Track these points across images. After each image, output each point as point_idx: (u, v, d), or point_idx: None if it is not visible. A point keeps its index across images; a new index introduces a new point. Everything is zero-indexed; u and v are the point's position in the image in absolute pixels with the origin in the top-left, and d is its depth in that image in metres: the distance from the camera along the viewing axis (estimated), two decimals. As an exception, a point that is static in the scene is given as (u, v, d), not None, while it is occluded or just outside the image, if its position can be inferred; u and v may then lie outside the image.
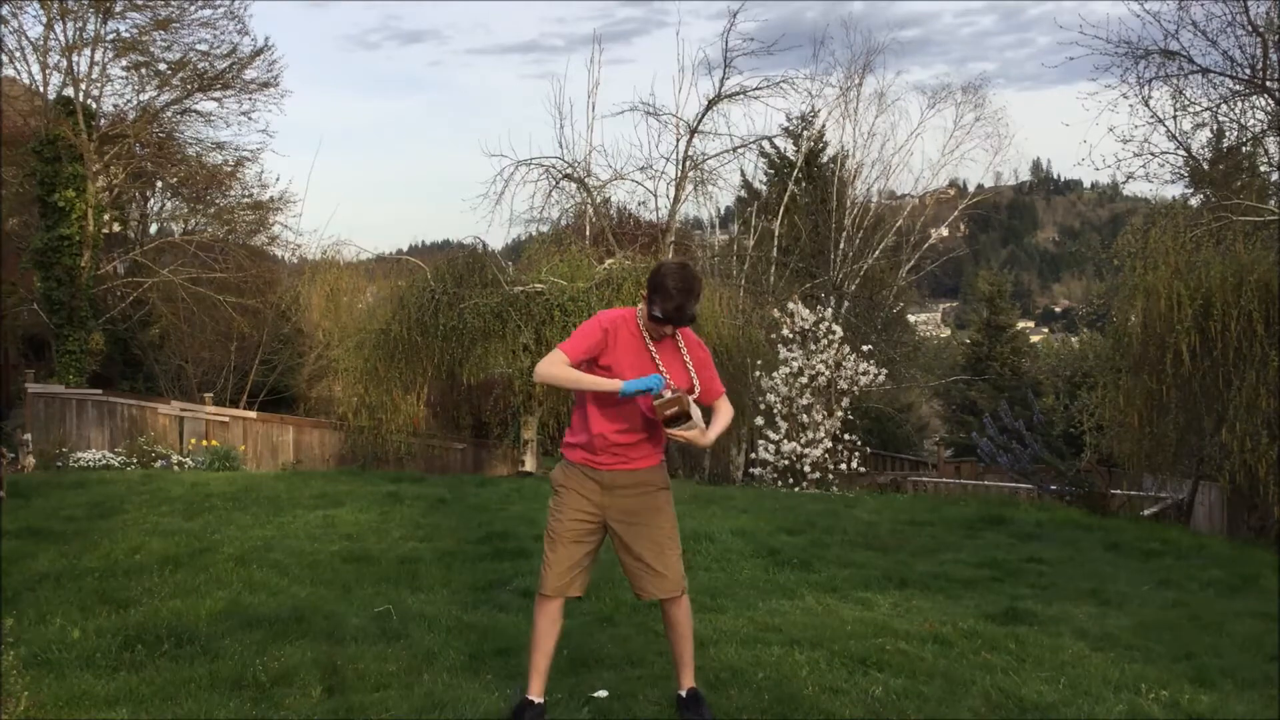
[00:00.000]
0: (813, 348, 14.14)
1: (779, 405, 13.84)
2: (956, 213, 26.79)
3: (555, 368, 3.46)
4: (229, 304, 17.46)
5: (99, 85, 17.20)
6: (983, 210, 30.96)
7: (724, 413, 3.69)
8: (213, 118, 18.59)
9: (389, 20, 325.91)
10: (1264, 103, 14.81)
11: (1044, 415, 13.05)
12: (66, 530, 6.82)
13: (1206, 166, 15.94)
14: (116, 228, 19.29)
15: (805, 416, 13.90)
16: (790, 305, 14.69)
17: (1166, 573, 6.76)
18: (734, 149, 20.10)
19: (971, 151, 39.37)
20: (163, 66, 17.65)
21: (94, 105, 16.95)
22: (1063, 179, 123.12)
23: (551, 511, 3.64)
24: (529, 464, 14.71)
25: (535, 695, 3.58)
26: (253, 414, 15.81)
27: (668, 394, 3.41)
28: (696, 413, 3.45)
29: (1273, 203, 14.05)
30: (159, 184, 20.00)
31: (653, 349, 3.55)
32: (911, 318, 30.98)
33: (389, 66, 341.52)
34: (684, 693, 3.67)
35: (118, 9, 16.75)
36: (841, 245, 21.80)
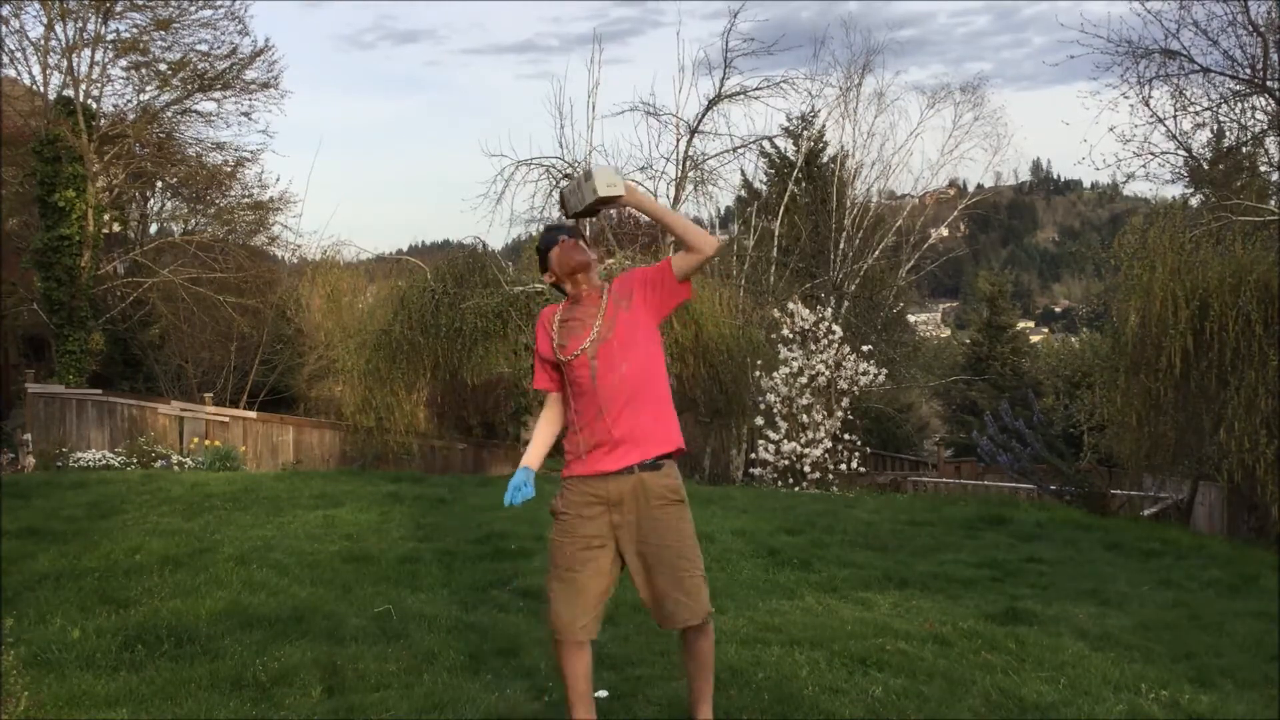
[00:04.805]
0: (813, 348, 14.14)
1: (779, 405, 13.84)
2: (956, 213, 26.77)
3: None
4: (229, 304, 17.45)
5: (99, 85, 17.20)
6: (982, 210, 30.92)
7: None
8: (213, 118, 18.62)
9: (383, 20, 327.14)
10: (1264, 103, 14.82)
11: (1044, 415, 13.05)
12: (66, 530, 6.82)
13: (1206, 166, 15.95)
14: (116, 228, 19.29)
15: (805, 416, 13.90)
16: (790, 305, 14.70)
17: (1166, 573, 6.76)
18: (734, 149, 20.13)
19: (971, 151, 39.43)
20: (163, 67, 17.65)
21: (94, 105, 16.94)
22: (1063, 179, 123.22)
23: (552, 544, 3.29)
24: (529, 464, 14.68)
25: None
26: (253, 414, 15.81)
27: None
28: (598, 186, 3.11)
29: (1273, 203, 14.04)
30: (159, 184, 19.99)
31: (559, 328, 3.30)
32: (911, 318, 30.95)
33: (386, 67, 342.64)
34: None
35: (118, 9, 16.75)
36: (841, 245, 21.79)
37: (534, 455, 3.38)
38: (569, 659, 3.22)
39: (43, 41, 16.85)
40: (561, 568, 3.22)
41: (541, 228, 15.63)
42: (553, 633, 3.23)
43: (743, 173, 26.12)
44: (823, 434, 13.82)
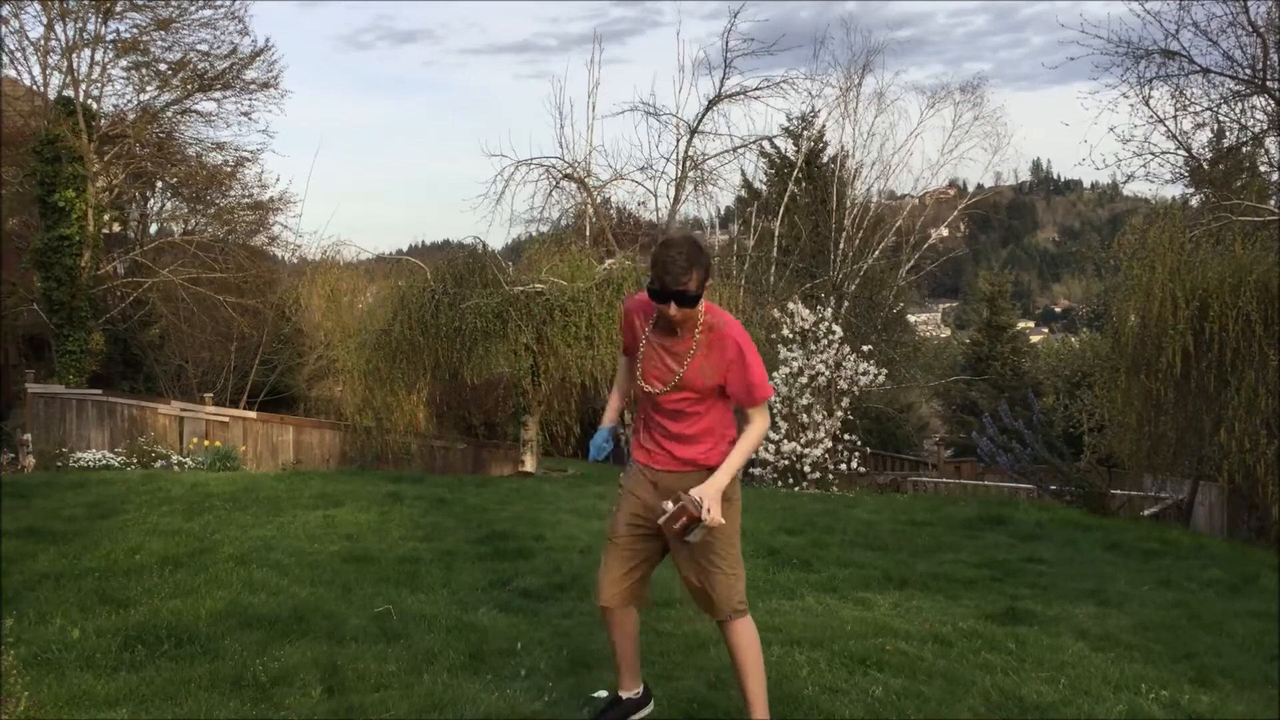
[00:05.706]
0: (813, 348, 14.13)
1: (779, 405, 13.82)
2: (956, 213, 26.83)
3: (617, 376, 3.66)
4: (229, 304, 17.47)
5: (99, 85, 17.23)
6: (982, 210, 31.00)
7: (749, 433, 3.30)
8: (213, 118, 18.67)
9: (380, 20, 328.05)
10: (1264, 103, 14.83)
11: (1044, 415, 13.05)
12: (66, 530, 6.81)
13: (1206, 166, 15.96)
14: (116, 228, 19.31)
15: (805, 416, 13.89)
16: (790, 305, 14.69)
17: (1166, 573, 6.76)
18: (734, 149, 20.19)
19: (971, 151, 39.48)
20: (163, 67, 17.69)
21: (94, 105, 16.96)
22: (1063, 179, 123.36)
23: (610, 514, 3.52)
24: (529, 464, 14.71)
25: (622, 691, 3.55)
26: (253, 414, 15.81)
27: (669, 506, 3.19)
28: (711, 507, 3.16)
29: (1273, 203, 14.06)
30: (159, 184, 20.01)
31: (649, 336, 3.31)
32: (911, 318, 31.01)
33: (384, 67, 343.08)
34: None
35: (118, 9, 16.78)
36: (841, 245, 21.81)
37: (610, 414, 3.63)
38: (609, 626, 3.48)
39: (43, 41, 16.89)
40: (610, 537, 3.45)
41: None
42: (595, 596, 3.48)
43: (743, 173, 26.17)
44: (823, 434, 13.81)
